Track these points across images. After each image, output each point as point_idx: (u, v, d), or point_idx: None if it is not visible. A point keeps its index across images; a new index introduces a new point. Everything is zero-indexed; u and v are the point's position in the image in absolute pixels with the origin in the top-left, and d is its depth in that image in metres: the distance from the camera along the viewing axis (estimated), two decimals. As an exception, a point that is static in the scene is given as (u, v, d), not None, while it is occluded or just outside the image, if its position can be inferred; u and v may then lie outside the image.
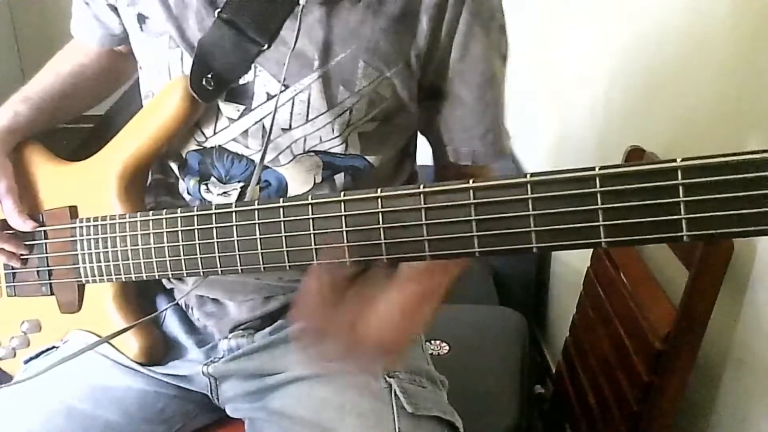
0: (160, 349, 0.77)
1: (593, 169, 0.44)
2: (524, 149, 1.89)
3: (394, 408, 0.67)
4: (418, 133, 0.80)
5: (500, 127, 0.74)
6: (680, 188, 0.42)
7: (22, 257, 0.80)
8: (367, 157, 0.72)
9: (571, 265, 1.58)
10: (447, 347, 1.32)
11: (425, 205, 0.50)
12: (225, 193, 0.73)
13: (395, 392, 0.68)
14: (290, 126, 0.68)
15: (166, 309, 0.80)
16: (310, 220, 0.54)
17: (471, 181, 0.48)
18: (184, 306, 0.81)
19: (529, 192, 0.46)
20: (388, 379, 0.70)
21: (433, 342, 1.32)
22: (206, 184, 0.74)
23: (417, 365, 0.74)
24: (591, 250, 1.24)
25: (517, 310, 1.50)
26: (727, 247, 0.83)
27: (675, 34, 1.03)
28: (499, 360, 1.31)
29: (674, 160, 0.42)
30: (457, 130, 0.73)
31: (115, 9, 0.77)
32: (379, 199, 0.51)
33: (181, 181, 0.77)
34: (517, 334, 1.40)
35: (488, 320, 1.46)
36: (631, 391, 0.99)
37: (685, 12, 1.00)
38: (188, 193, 0.76)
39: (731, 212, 0.41)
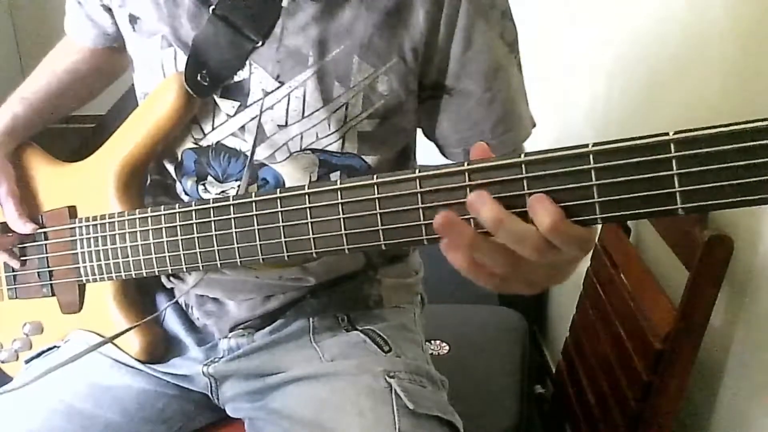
0: (161, 347, 0.78)
1: (587, 146, 0.44)
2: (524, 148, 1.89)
3: (395, 408, 0.67)
4: (418, 135, 0.79)
5: (514, 116, 0.72)
6: (673, 161, 0.42)
7: (22, 259, 0.80)
8: (363, 157, 0.72)
9: (571, 265, 1.57)
10: (447, 347, 1.32)
11: (421, 190, 0.49)
12: (223, 192, 0.73)
13: (395, 392, 0.68)
14: (286, 123, 0.68)
15: (166, 308, 0.80)
16: (307, 209, 0.54)
17: (466, 163, 0.47)
18: (184, 305, 0.81)
19: (524, 171, 0.46)
20: (388, 379, 0.70)
21: (433, 342, 1.32)
22: (204, 184, 0.74)
23: (417, 365, 0.74)
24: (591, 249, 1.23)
25: (517, 310, 1.49)
26: (727, 246, 0.83)
27: (675, 34, 1.03)
28: (499, 360, 1.31)
29: (666, 134, 0.42)
30: (466, 128, 0.72)
31: (109, 10, 0.77)
32: (376, 186, 0.51)
33: (178, 182, 0.77)
34: (517, 334, 1.40)
35: (488, 320, 1.46)
36: (631, 390, 0.99)
37: (685, 11, 1.00)
38: (186, 193, 0.76)
39: (725, 183, 0.40)
